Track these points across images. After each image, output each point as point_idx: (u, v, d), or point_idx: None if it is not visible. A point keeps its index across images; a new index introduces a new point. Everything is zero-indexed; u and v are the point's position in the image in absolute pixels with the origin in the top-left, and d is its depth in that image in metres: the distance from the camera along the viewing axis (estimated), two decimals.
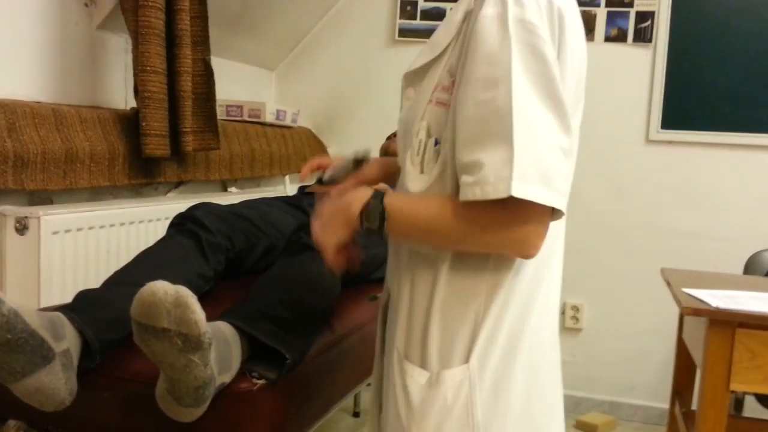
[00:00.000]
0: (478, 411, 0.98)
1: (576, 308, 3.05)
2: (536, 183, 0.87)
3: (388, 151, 2.49)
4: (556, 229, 1.02)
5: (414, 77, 1.06)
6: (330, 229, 1.05)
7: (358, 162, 1.32)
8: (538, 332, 1.02)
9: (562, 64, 0.93)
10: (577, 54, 0.97)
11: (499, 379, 0.99)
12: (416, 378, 1.01)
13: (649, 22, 2.91)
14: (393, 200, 1.00)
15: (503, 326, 0.99)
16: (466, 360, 0.98)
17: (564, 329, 3.08)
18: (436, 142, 0.99)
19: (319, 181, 1.34)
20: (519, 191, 0.86)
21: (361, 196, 1.02)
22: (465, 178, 0.91)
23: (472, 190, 0.89)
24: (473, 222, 0.93)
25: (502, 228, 0.91)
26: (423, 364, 1.02)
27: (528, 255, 0.93)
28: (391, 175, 1.26)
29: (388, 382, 1.08)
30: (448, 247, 0.99)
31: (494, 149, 0.88)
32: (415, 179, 1.02)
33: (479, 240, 0.94)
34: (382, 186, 1.07)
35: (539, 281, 1.02)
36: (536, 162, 0.87)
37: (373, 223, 0.99)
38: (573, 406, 3.07)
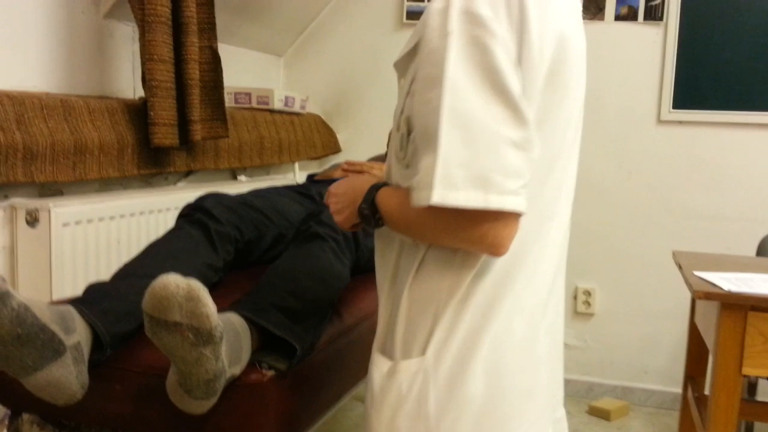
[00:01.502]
0: (431, 403, 0.96)
1: (588, 293, 3.04)
2: (466, 187, 0.84)
3: None
4: (535, 229, 0.98)
5: (401, 66, 1.04)
6: (340, 206, 1.11)
7: None
8: (505, 333, 0.97)
9: (527, 49, 0.88)
10: (548, 37, 0.91)
11: (455, 375, 0.96)
12: (380, 367, 1.03)
13: (660, 0, 2.86)
14: (382, 190, 1.01)
15: (462, 323, 0.96)
16: (424, 353, 0.98)
17: (576, 314, 3.07)
18: None
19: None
20: (441, 198, 0.84)
21: (369, 181, 1.04)
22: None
23: (412, 196, 0.89)
24: (428, 222, 0.92)
25: (458, 229, 0.89)
26: (389, 354, 1.03)
27: (495, 253, 0.90)
28: None
29: None
30: (422, 241, 0.98)
31: (427, 153, 0.87)
32: (401, 175, 1.00)
33: (440, 239, 0.93)
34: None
35: (510, 281, 0.98)
36: (467, 164, 0.84)
37: (366, 212, 1.02)
38: (585, 391, 3.07)
